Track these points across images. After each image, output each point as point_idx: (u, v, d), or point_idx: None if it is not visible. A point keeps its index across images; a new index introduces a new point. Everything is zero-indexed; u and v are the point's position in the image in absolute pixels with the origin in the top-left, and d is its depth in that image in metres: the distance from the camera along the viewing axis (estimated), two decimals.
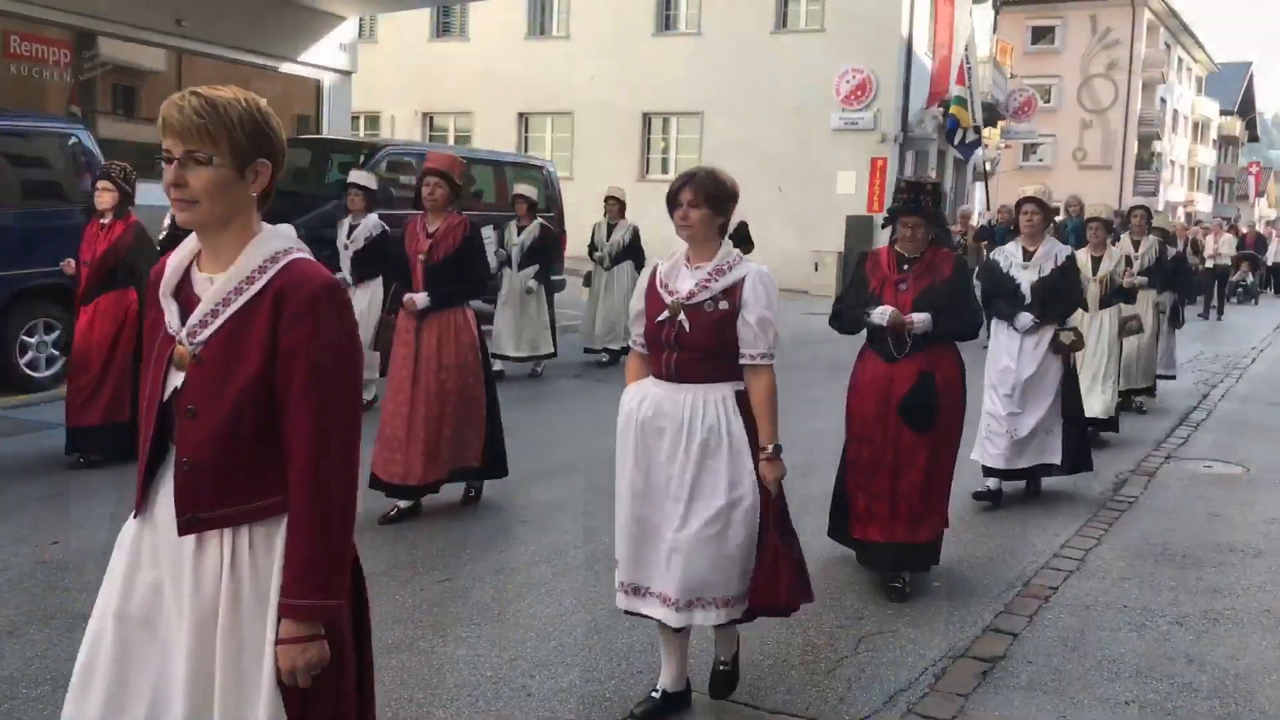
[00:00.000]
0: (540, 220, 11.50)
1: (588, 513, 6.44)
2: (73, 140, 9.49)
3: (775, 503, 3.78)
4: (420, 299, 6.13)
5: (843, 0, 23.30)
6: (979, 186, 31.93)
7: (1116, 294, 8.92)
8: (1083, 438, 7.27)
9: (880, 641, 4.81)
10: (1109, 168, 47.49)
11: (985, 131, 30.23)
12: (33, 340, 9.14)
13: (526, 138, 26.80)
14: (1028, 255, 6.83)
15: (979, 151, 30.71)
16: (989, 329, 7.49)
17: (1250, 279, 28.04)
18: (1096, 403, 8.72)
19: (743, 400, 3.75)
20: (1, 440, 7.78)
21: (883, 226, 5.39)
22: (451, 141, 26.62)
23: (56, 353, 9.30)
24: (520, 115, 26.66)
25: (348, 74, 17.04)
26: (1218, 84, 64.57)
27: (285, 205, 11.69)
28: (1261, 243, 31.23)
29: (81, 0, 12.93)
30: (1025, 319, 6.74)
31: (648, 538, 3.82)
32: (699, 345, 3.69)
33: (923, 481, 5.18)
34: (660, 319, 3.74)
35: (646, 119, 25.57)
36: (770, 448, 3.72)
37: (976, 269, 8.07)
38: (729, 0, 24.29)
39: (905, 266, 5.17)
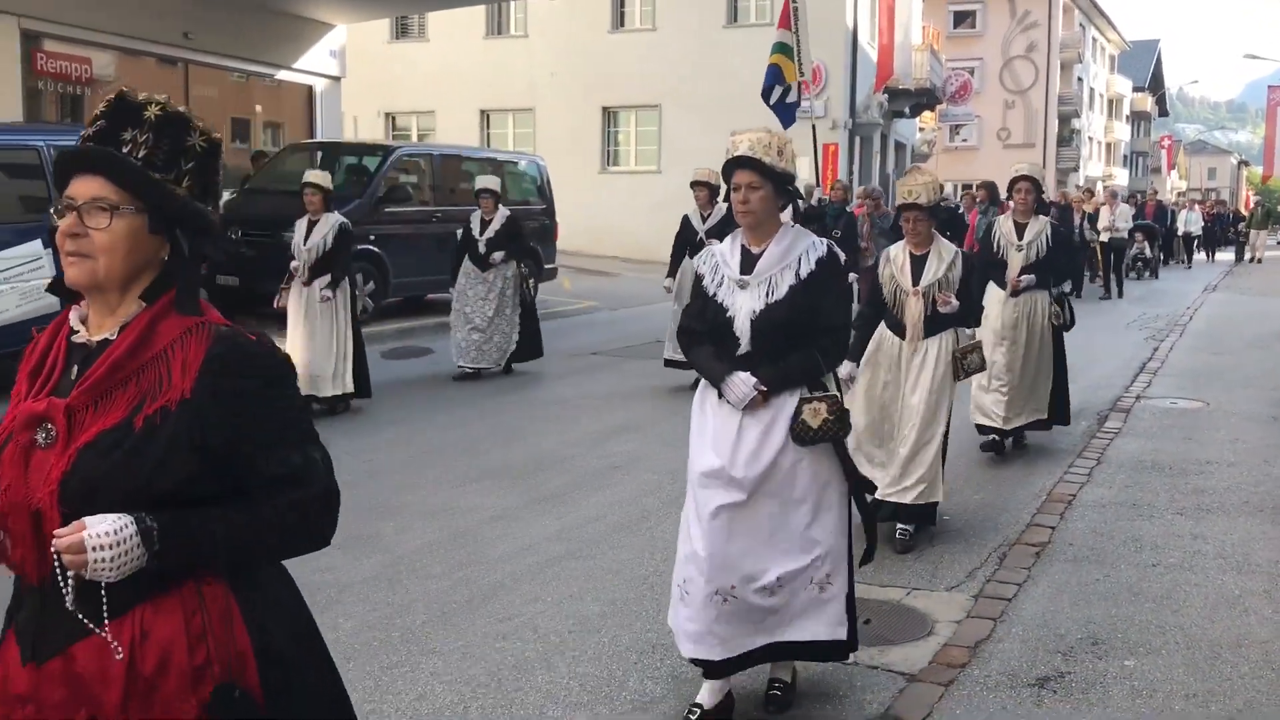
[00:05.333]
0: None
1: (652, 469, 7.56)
2: None
3: None
4: None
5: None
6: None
7: (966, 311, 5.82)
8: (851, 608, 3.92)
9: (947, 537, 5.97)
10: (1032, 145, 49.43)
11: (923, 116, 31.83)
12: None
13: (489, 134, 27.66)
14: (749, 261, 3.80)
15: (919, 132, 32.23)
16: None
17: (1148, 252, 25.43)
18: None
19: None
20: None
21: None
22: (415, 139, 27.39)
23: None
24: (482, 112, 27.52)
25: (337, 79, 17.85)
26: (1129, 62, 67.25)
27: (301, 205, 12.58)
28: (1162, 212, 28.73)
29: (101, 18, 13.62)
30: (739, 385, 3.68)
31: None
32: None
33: None
34: None
35: (606, 113, 26.60)
36: None
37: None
38: None
39: (75, 367, 1.91)
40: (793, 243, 3.80)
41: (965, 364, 5.82)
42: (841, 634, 3.89)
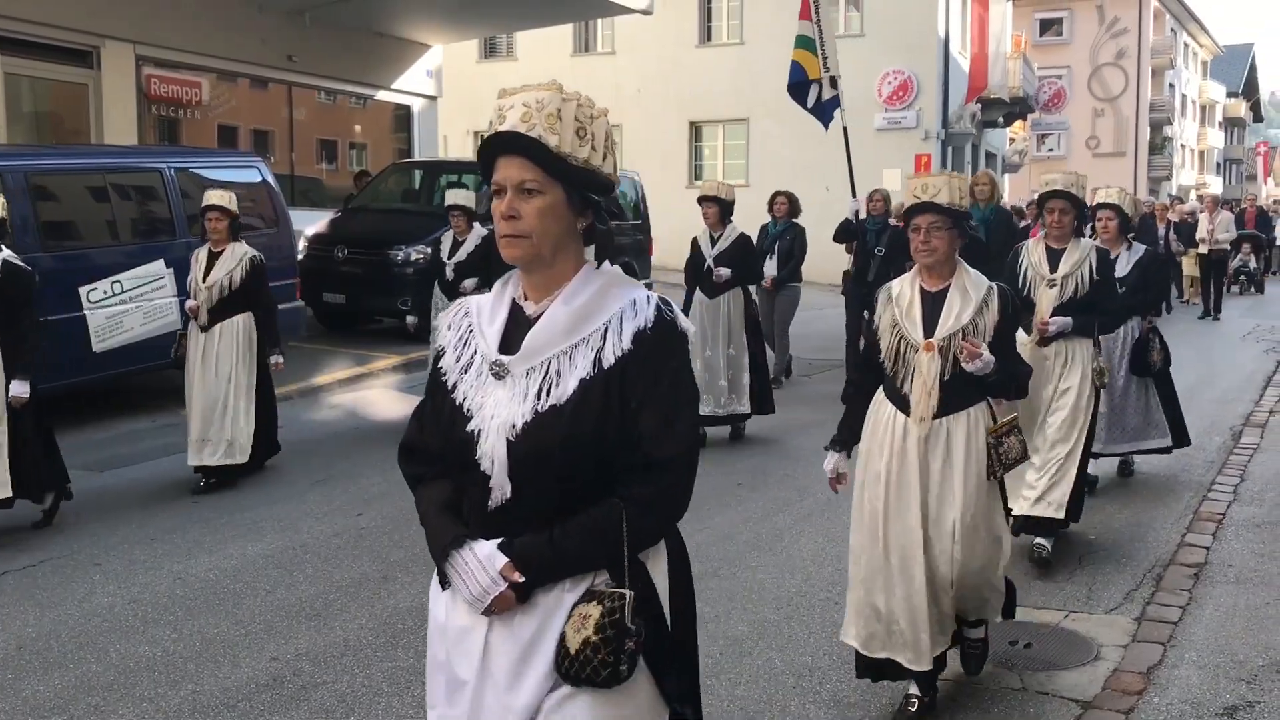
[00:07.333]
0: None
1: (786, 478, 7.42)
2: (255, 172, 10.45)
3: None
4: None
5: (881, 5, 24.31)
6: (1005, 177, 32.92)
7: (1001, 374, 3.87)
8: None
9: (1097, 558, 5.76)
10: (1123, 154, 48.47)
11: (1014, 126, 31.25)
12: None
13: None
14: (519, 329, 2.15)
15: (1009, 143, 31.62)
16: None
17: (1253, 263, 22.96)
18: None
19: None
20: None
21: None
22: None
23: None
24: None
25: (433, 99, 18.03)
26: (1222, 67, 65.57)
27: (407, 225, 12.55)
28: (1264, 220, 25.81)
29: (210, 43, 13.92)
30: (474, 571, 2.03)
31: None
32: None
33: None
34: None
35: (694, 128, 26.57)
36: None
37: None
38: (770, 9, 25.26)
39: None
40: (595, 301, 2.08)
41: (1002, 452, 3.87)
42: None
